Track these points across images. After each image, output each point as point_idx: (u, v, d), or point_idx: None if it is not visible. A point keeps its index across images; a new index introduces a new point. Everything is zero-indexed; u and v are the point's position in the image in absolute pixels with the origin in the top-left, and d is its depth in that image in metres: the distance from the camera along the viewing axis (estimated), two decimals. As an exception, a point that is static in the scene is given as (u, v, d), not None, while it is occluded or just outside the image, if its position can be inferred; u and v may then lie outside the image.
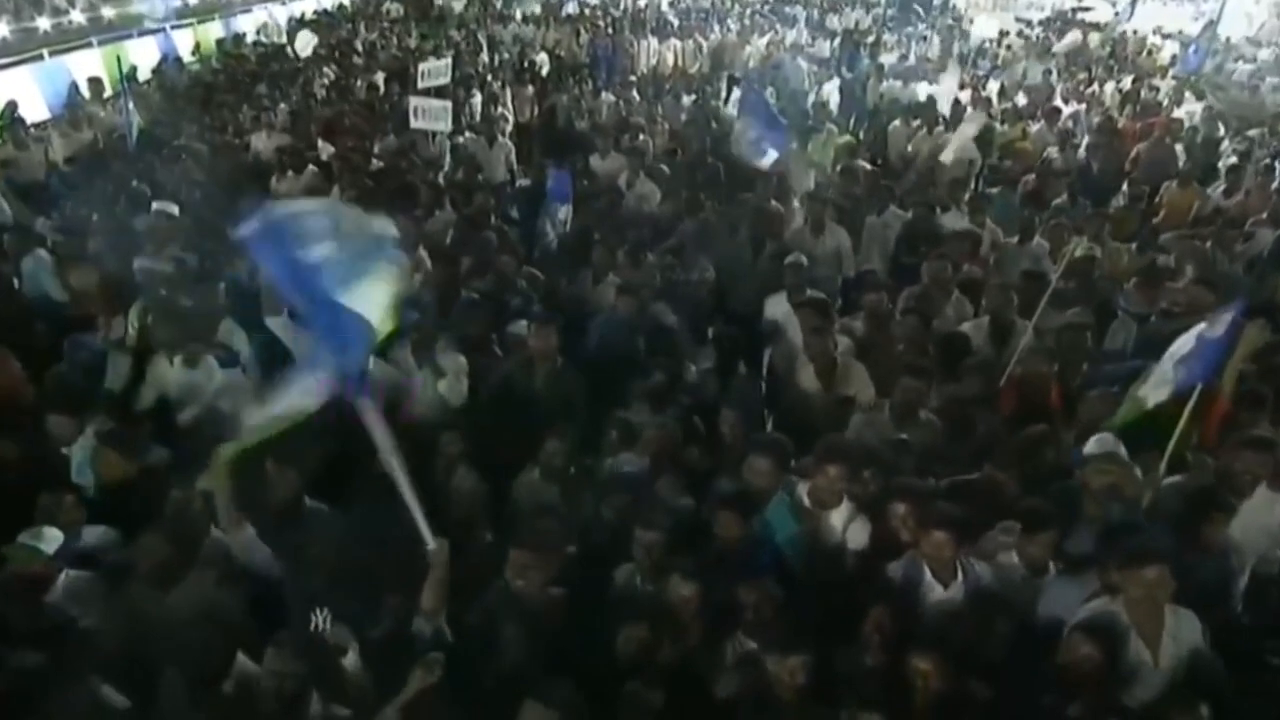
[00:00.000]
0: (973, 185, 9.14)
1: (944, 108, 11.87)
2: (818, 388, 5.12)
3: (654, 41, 16.74)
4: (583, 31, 17.31)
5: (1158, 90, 13.65)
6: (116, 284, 5.72)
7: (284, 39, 16.23)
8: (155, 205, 6.80)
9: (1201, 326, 4.52)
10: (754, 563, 3.78)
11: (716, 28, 18.65)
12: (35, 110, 12.02)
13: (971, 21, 21.32)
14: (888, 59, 15.85)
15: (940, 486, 4.25)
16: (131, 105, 9.20)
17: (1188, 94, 13.14)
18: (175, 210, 6.78)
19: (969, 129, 9.83)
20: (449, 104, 9.58)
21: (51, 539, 3.69)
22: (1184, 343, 4.53)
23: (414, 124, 9.49)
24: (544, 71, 14.51)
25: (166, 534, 3.73)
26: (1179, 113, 12.38)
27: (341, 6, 20.70)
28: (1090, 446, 4.19)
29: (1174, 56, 17.34)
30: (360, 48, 15.64)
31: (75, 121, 10.14)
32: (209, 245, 6.23)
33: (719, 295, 6.50)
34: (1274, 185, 8.71)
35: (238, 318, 5.49)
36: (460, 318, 5.65)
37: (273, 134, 9.72)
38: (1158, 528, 3.82)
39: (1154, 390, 4.52)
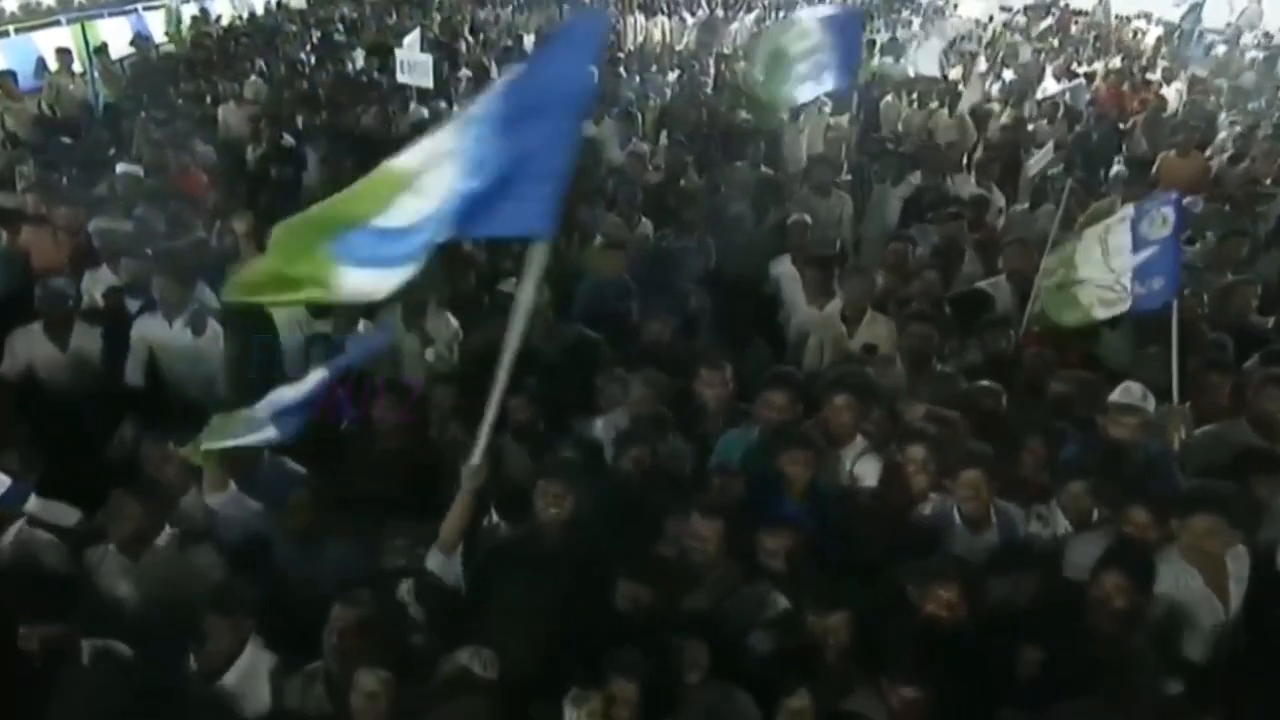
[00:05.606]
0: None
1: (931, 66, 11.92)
2: (841, 332, 4.91)
3: (641, 18, 16.45)
4: (564, 14, 16.97)
5: (1145, 69, 13.54)
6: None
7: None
8: (120, 167, 6.51)
9: (1129, 213, 4.40)
10: (771, 508, 3.51)
11: (704, 4, 18.37)
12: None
13: (955, 6, 21.22)
14: (879, 38, 15.64)
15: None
16: (98, 75, 8.85)
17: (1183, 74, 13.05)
18: (140, 172, 6.49)
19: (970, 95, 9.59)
20: (431, 58, 9.15)
21: None
22: (1121, 240, 4.38)
23: (400, 78, 9.08)
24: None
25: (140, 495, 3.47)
26: (1168, 90, 12.30)
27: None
28: (1115, 395, 3.98)
29: (1159, 39, 17.30)
30: (342, 26, 15.28)
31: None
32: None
33: (719, 258, 6.22)
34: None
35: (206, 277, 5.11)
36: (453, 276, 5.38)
37: (242, 104, 9.34)
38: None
39: (1098, 297, 4.48)
